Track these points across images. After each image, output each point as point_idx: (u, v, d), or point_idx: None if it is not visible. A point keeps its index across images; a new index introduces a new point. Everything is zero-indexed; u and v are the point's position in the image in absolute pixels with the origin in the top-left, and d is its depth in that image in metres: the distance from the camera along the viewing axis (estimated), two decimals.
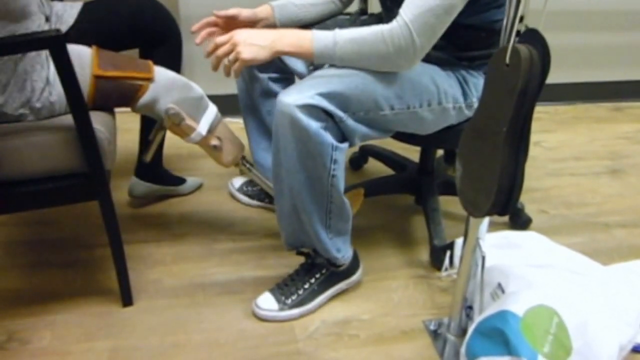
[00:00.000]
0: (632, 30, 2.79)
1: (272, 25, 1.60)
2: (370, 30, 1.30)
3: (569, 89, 2.86)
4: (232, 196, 2.01)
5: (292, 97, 1.29)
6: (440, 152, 2.13)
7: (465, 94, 1.51)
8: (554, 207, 2.07)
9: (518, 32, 1.07)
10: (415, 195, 2.01)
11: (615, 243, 1.89)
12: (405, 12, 1.28)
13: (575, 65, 2.82)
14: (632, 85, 2.94)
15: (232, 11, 1.54)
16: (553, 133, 2.60)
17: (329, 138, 1.32)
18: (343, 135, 1.38)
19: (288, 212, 1.47)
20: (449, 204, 1.96)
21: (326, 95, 1.30)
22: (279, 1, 1.60)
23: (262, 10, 1.58)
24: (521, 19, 1.06)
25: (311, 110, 1.29)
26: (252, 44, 1.31)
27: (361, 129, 1.39)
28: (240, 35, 1.32)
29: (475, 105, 1.53)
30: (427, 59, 1.40)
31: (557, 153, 2.44)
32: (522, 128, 1.08)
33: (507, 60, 1.05)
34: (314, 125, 1.29)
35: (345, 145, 1.37)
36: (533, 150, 2.39)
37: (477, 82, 1.52)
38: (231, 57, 1.32)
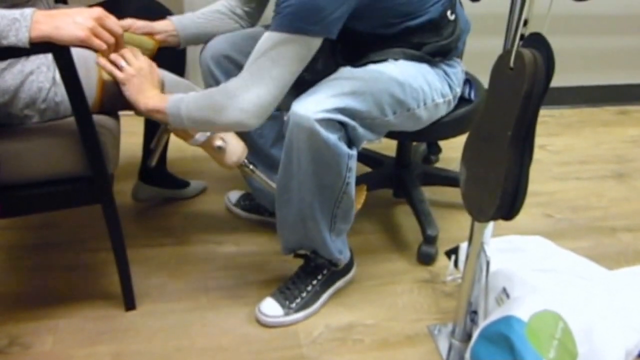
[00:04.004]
0: (637, 33, 2.78)
1: (174, 38, 1.57)
2: (212, 90, 1.28)
3: (575, 92, 2.85)
4: (230, 210, 1.97)
5: (310, 110, 1.26)
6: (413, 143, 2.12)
7: (450, 87, 1.52)
8: (560, 211, 2.05)
9: (522, 36, 1.06)
10: (393, 189, 2.01)
11: (621, 247, 1.88)
12: (247, 62, 1.25)
13: (580, 69, 2.81)
14: (638, 88, 2.92)
15: (125, 22, 1.48)
16: (558, 137, 2.59)
17: (345, 148, 1.32)
18: (351, 140, 1.37)
19: (293, 221, 1.46)
20: (430, 193, 1.96)
21: (342, 110, 1.29)
22: (180, 16, 1.55)
23: (161, 24, 1.54)
24: (525, 22, 1.05)
25: (329, 122, 1.28)
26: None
27: (367, 134, 1.39)
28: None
29: (459, 94, 1.58)
30: (409, 60, 1.42)
31: (562, 157, 2.43)
32: (527, 132, 1.07)
33: (511, 64, 1.05)
34: (332, 137, 1.28)
35: (355, 151, 1.37)
36: (538, 154, 2.38)
37: (455, 71, 1.54)
38: (119, 75, 1.33)
